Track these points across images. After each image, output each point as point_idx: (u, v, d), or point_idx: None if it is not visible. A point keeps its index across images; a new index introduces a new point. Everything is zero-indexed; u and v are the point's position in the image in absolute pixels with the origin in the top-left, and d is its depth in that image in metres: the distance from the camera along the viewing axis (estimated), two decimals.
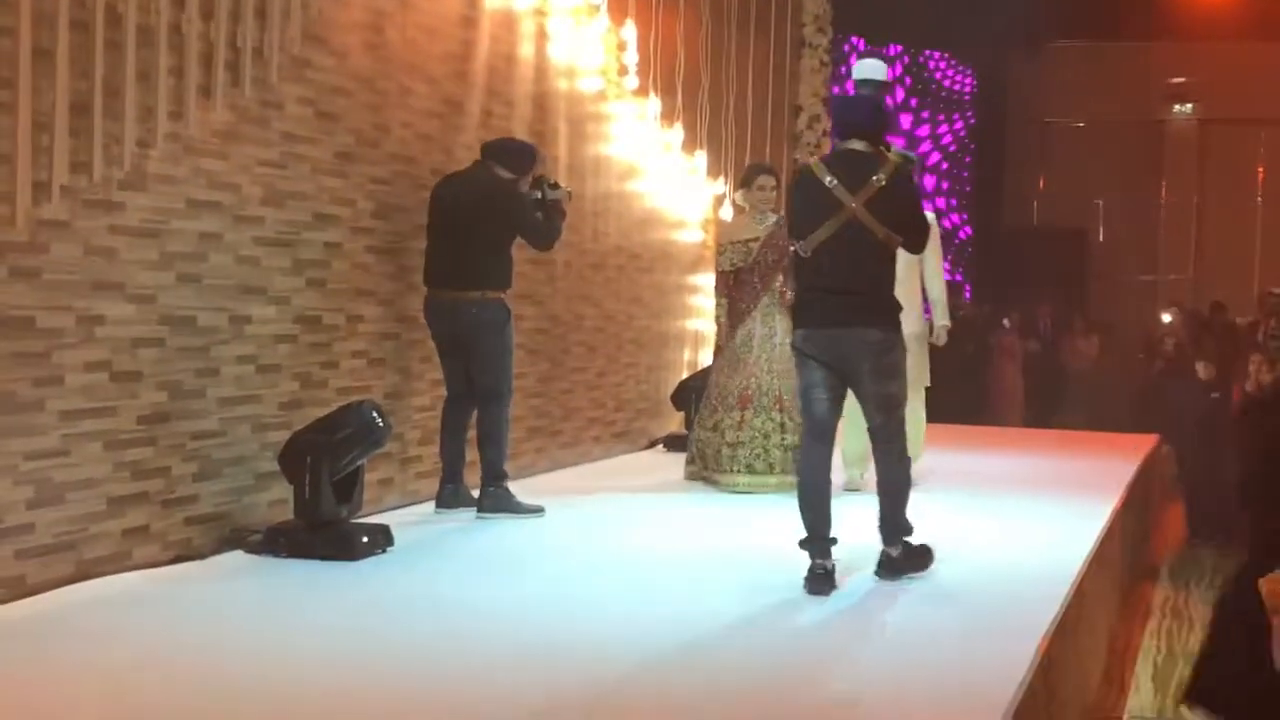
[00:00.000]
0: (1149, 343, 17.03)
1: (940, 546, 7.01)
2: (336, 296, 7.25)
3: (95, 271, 5.74)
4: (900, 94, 17.76)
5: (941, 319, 8.90)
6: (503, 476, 7.60)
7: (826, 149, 13.40)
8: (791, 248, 6.29)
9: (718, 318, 9.04)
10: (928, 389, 8.94)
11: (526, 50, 9.01)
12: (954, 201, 18.61)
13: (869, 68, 7.81)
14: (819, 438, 6.13)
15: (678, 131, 11.01)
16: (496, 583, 6.15)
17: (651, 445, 10.79)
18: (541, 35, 9.18)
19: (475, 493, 7.64)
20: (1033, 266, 17.96)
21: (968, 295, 17.68)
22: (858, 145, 6.12)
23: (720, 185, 11.76)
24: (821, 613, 5.72)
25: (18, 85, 5.26)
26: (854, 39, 16.24)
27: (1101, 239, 19.33)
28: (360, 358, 7.47)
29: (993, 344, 16.96)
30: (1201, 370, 12.27)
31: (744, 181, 9.03)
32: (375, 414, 6.59)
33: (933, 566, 6.34)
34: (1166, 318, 16.21)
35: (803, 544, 6.03)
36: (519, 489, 7.75)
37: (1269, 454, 5.59)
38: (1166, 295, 18.86)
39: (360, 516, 6.82)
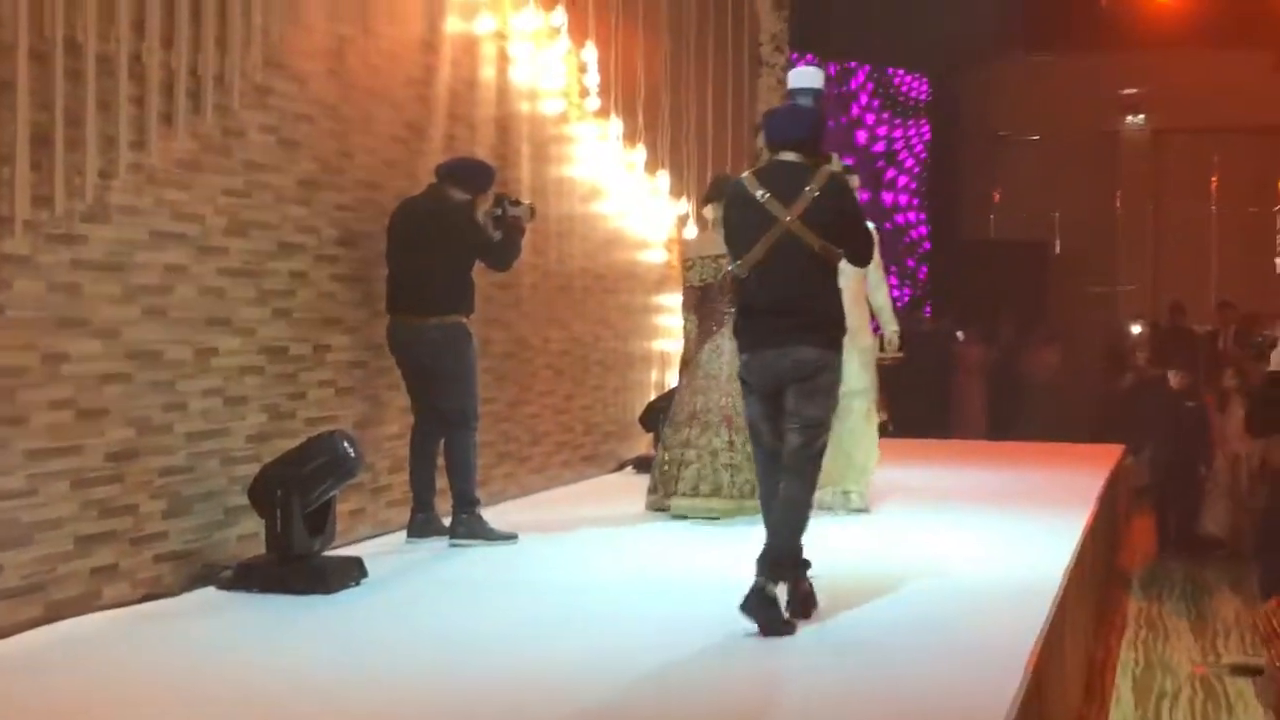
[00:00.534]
0: (1114, 354, 17.10)
1: (918, 564, 7.00)
2: (303, 326, 7.16)
3: (59, 308, 5.63)
4: (855, 109, 17.76)
5: (890, 325, 8.82)
6: (474, 503, 7.52)
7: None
8: (729, 267, 6.09)
9: (687, 333, 8.88)
10: (888, 407, 8.89)
11: (488, 74, 8.95)
12: (922, 215, 18.63)
13: (804, 76, 7.78)
14: (771, 470, 5.88)
15: (640, 152, 10.98)
16: (472, 613, 6.06)
17: (620, 468, 10.72)
18: (503, 59, 9.12)
19: (447, 520, 7.55)
20: (992, 279, 17.99)
21: (927, 311, 17.70)
22: (789, 156, 5.85)
23: (683, 205, 11.72)
24: (801, 639, 5.58)
25: None
26: (810, 57, 16.24)
27: (1059, 250, 19.37)
28: (328, 387, 7.37)
29: (953, 357, 16.99)
30: (1174, 379, 12.29)
31: (711, 195, 8.85)
32: (346, 444, 6.50)
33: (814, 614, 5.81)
34: (1136, 329, 16.22)
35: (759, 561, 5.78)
36: (489, 516, 7.66)
37: None
38: (1125, 305, 18.95)
39: (332, 548, 6.72)
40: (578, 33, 9.89)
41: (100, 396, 5.85)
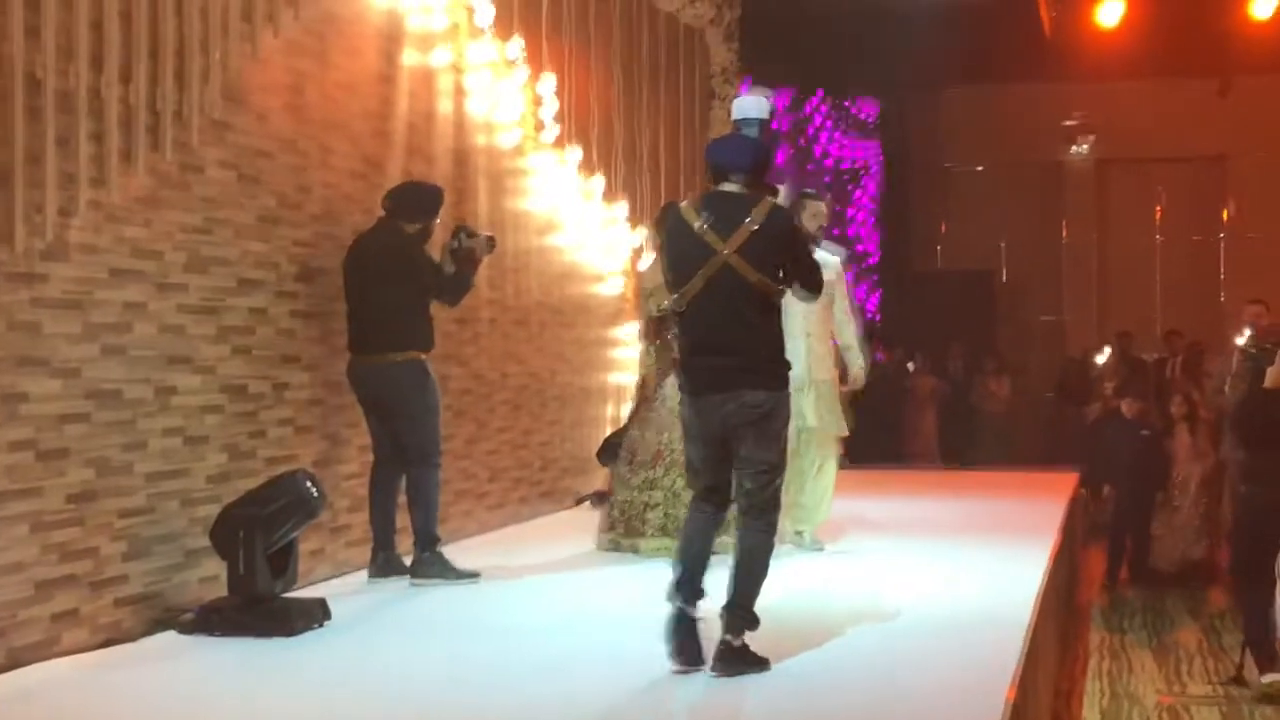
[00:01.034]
0: (1069, 383, 17.15)
1: (886, 599, 6.96)
2: (262, 363, 7.05)
3: (18, 347, 5.51)
4: (803, 142, 17.78)
5: (857, 363, 8.56)
6: (434, 541, 7.43)
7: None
8: (665, 302, 5.87)
9: (645, 364, 8.71)
10: (845, 439, 8.71)
11: (445, 106, 8.88)
12: (859, 249, 18.66)
13: (747, 105, 7.63)
14: (704, 513, 5.69)
15: (596, 183, 10.93)
16: (436, 655, 5.97)
17: (578, 503, 10.64)
18: (459, 91, 9.05)
19: (408, 559, 7.45)
20: (940, 309, 18.05)
21: (879, 357, 17.71)
22: (731, 186, 5.60)
23: (639, 235, 11.67)
24: (773, 678, 5.49)
25: None
26: (748, 80, 16.27)
27: (1005, 280, 19.47)
28: (287, 425, 7.27)
29: (906, 387, 17.02)
30: (1126, 408, 12.32)
31: (661, 222, 8.67)
32: (309, 484, 6.40)
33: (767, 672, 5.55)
34: (1100, 358, 16.16)
35: (674, 586, 5.59)
36: (449, 553, 7.57)
37: None
38: (1071, 334, 19.04)
39: (292, 590, 6.60)
40: (533, 64, 9.84)
41: (60, 436, 5.73)
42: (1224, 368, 10.76)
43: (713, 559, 5.67)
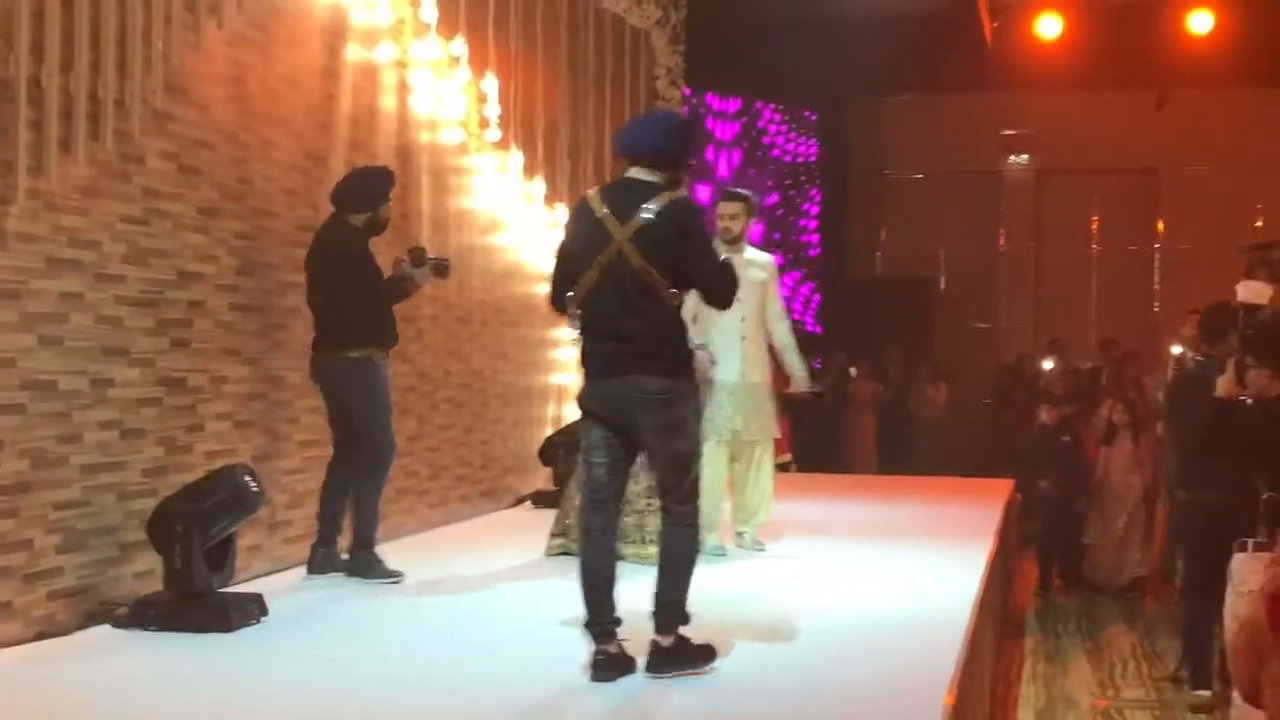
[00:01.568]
0: (997, 388, 17.24)
1: (825, 603, 6.97)
2: (201, 357, 6.99)
3: None
4: (746, 146, 17.82)
5: (795, 363, 8.43)
6: (368, 544, 7.37)
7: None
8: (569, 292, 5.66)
9: None
10: (777, 440, 8.70)
11: (389, 102, 8.83)
12: (798, 255, 18.72)
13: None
14: (597, 506, 5.49)
15: (539, 184, 10.90)
16: (374, 651, 5.93)
17: (519, 502, 10.60)
18: (403, 87, 9.01)
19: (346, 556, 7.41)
20: (879, 316, 18.14)
21: (817, 364, 17.75)
22: (639, 173, 5.42)
23: None
24: (709, 679, 5.46)
25: None
26: (708, 96, 16.33)
27: (944, 288, 19.59)
28: (226, 420, 7.20)
29: (846, 393, 17.07)
30: (1046, 414, 12.38)
31: None
32: (248, 478, 6.34)
33: (715, 664, 5.49)
34: (1048, 364, 16.15)
35: (585, 627, 5.46)
36: (391, 550, 7.52)
37: None
38: (1007, 342, 19.16)
39: (230, 585, 6.54)
40: (478, 63, 9.81)
41: None
42: (1162, 377, 10.84)
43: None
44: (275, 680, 5.46)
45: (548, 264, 11.08)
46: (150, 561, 6.36)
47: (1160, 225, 19.14)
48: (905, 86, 18.62)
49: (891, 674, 5.59)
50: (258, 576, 7.25)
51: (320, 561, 7.38)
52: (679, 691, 5.28)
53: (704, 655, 5.48)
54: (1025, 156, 19.50)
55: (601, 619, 5.42)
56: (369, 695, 5.22)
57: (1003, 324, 19.62)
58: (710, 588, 7.26)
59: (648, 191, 5.36)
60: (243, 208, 7.33)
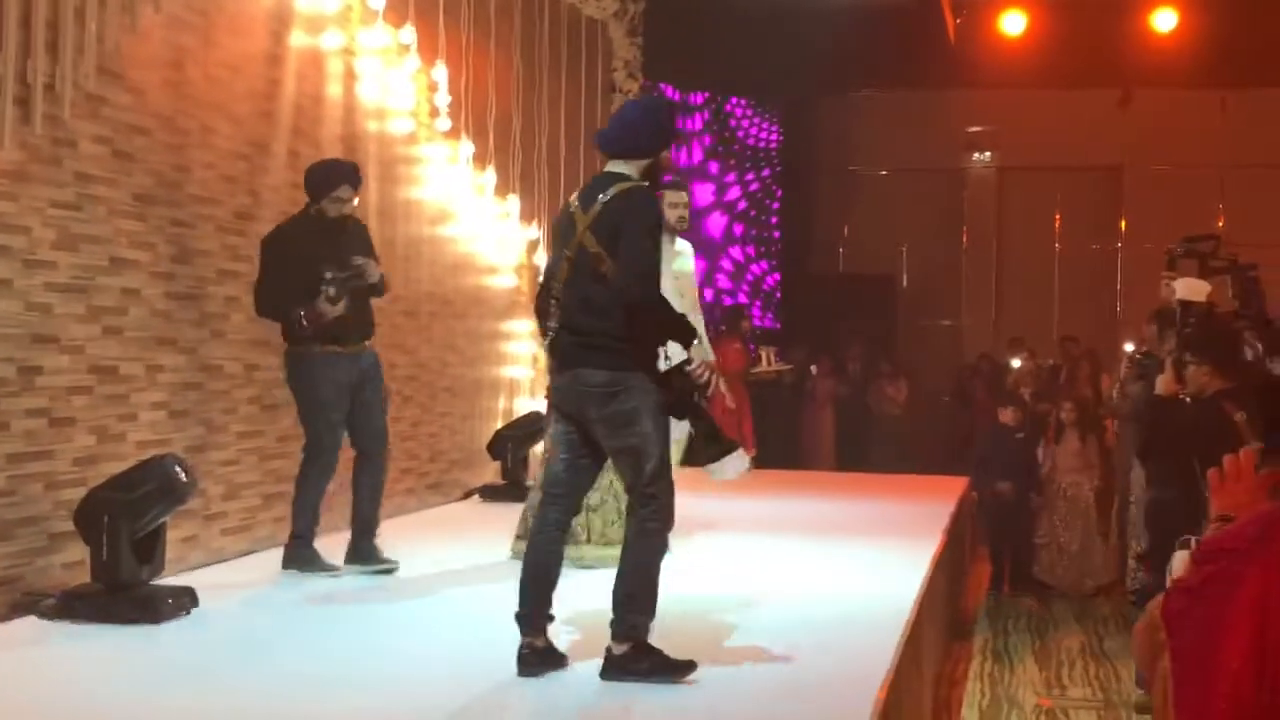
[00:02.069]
0: (959, 387, 17.21)
1: (763, 597, 6.91)
2: (134, 345, 6.89)
3: None
4: (709, 140, 17.77)
5: (707, 350, 7.99)
6: (298, 535, 7.28)
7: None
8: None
9: None
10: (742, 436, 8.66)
11: (335, 90, 8.73)
12: (761, 249, 18.68)
13: None
14: (551, 501, 5.42)
15: (490, 175, 10.81)
16: (306, 646, 5.86)
17: (467, 496, 10.52)
18: (350, 75, 8.92)
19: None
20: (841, 312, 18.09)
21: (778, 355, 17.70)
22: (614, 165, 5.37)
23: (534, 230, 11.57)
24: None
25: None
26: (662, 86, 16.23)
27: (906, 284, 19.56)
28: (161, 409, 7.10)
29: (805, 390, 17.02)
30: (1005, 415, 12.32)
31: None
32: (177, 468, 6.24)
33: (691, 678, 5.26)
34: (1016, 362, 16.03)
35: (516, 617, 5.35)
36: (333, 543, 7.43)
37: None
38: (969, 340, 19.15)
39: (162, 577, 6.44)
40: (428, 51, 9.71)
41: None
42: (1118, 375, 10.82)
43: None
44: (202, 673, 5.38)
45: (499, 255, 11.13)
46: (80, 552, 6.25)
47: (1123, 223, 19.14)
48: (869, 82, 18.58)
49: (827, 671, 5.53)
50: (193, 569, 7.15)
51: (308, 557, 7.26)
52: (608, 687, 5.21)
53: (677, 667, 5.28)
54: (988, 154, 19.46)
55: (532, 612, 5.33)
56: (292, 690, 5.15)
57: (965, 321, 19.60)
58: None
59: (609, 181, 5.31)
60: (180, 194, 7.24)
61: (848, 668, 5.54)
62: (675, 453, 7.63)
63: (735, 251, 18.29)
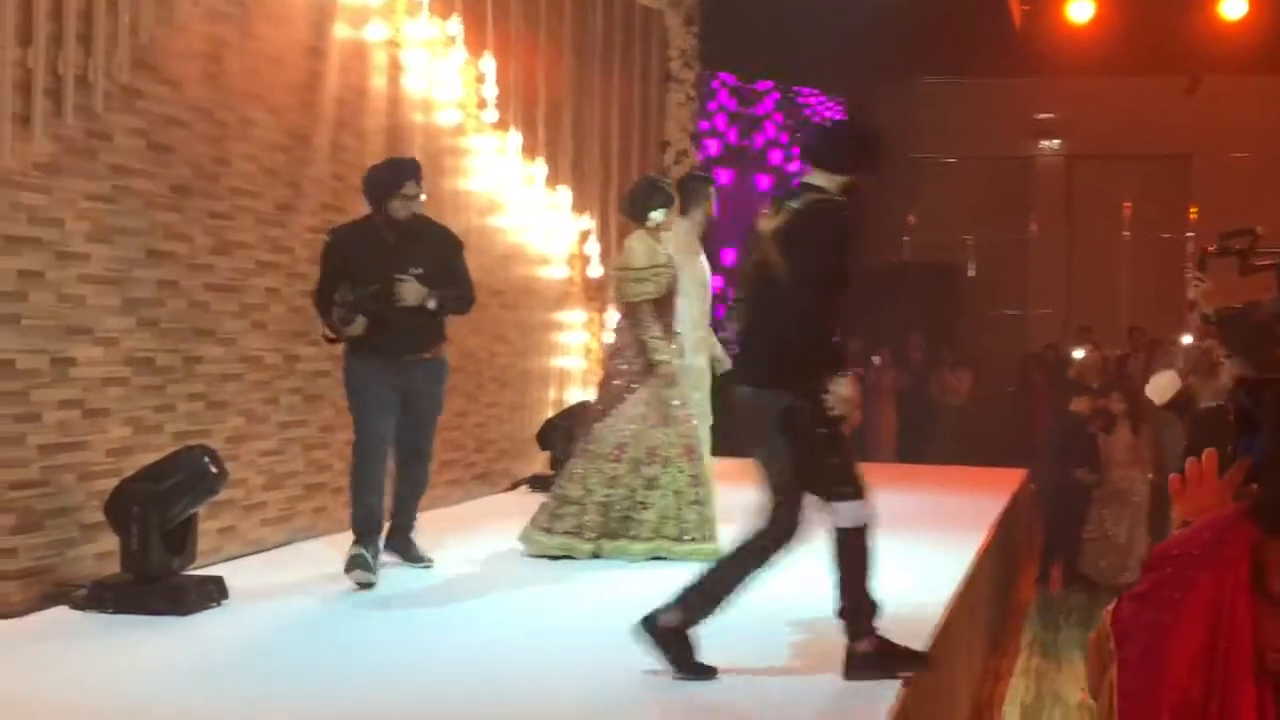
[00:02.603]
0: (1024, 377, 16.99)
1: (803, 592, 6.84)
2: (171, 336, 6.92)
3: None
4: (770, 130, 17.66)
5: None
6: (399, 525, 7.28)
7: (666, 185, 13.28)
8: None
9: (658, 350, 7.65)
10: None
11: (379, 82, 8.74)
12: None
13: None
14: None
15: (540, 166, 10.79)
16: (336, 637, 5.86)
17: (514, 486, 10.51)
18: (395, 67, 8.92)
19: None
20: (904, 302, 17.92)
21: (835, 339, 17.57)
22: (811, 176, 5.32)
23: (585, 220, 11.55)
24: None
25: None
26: (722, 74, 16.14)
27: (972, 274, 19.38)
28: (199, 400, 7.13)
29: (866, 381, 16.90)
30: (1077, 404, 12.09)
31: (658, 200, 7.78)
32: (207, 459, 6.26)
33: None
34: (1079, 353, 15.76)
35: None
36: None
37: None
38: (1036, 330, 18.95)
39: (198, 566, 6.48)
40: (475, 42, 9.71)
41: None
42: (1165, 364, 10.62)
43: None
44: (230, 664, 5.40)
45: (549, 246, 11.10)
46: (112, 543, 6.29)
47: (1193, 212, 18.86)
48: (933, 70, 18.42)
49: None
50: (230, 559, 7.18)
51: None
52: (653, 678, 5.17)
53: (905, 662, 5.28)
54: (1056, 141, 19.28)
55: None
56: (319, 682, 5.15)
57: (1031, 311, 19.40)
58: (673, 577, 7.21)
59: (808, 191, 5.26)
60: (219, 187, 7.26)
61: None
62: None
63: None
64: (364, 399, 7.01)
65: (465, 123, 9.80)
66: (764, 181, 17.33)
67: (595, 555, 7.59)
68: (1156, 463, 11.60)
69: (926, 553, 7.97)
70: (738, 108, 16.76)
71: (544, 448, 10.58)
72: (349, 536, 7.09)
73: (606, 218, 11.81)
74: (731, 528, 8.30)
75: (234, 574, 6.57)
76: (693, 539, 7.53)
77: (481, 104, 9.93)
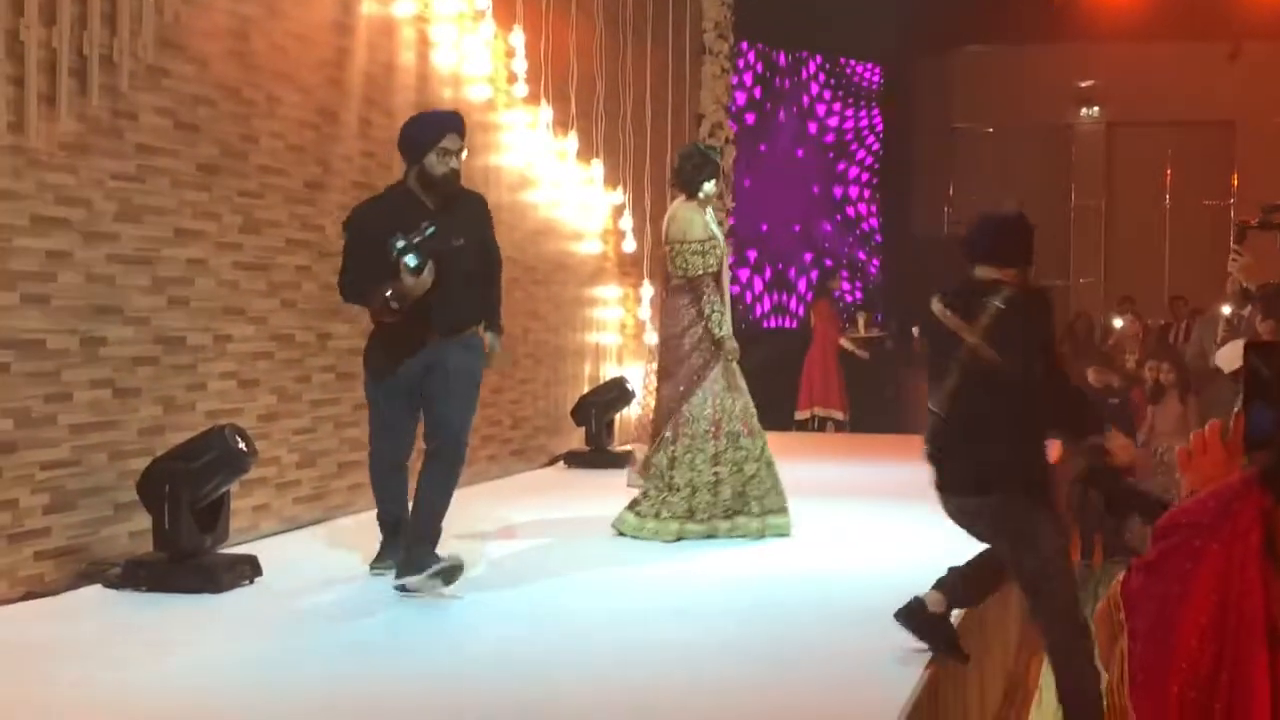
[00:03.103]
0: (1067, 339, 16.79)
1: (838, 567, 6.85)
2: (202, 315, 6.93)
3: None
4: (805, 100, 17.56)
5: None
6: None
7: (730, 157, 13.24)
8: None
9: (723, 324, 7.58)
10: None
11: (407, 58, 8.72)
12: (874, 209, 18.47)
13: None
14: None
15: (572, 140, 10.76)
16: (368, 616, 5.86)
17: (551, 462, 10.51)
18: (424, 42, 8.89)
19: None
20: (944, 273, 17.78)
21: (879, 318, 17.52)
22: (984, 270, 5.32)
23: (618, 195, 11.51)
24: (687, 636, 5.47)
25: None
26: (760, 45, 16.07)
27: None
28: (230, 379, 7.15)
29: (908, 353, 16.81)
30: (1093, 376, 11.97)
31: (708, 171, 7.68)
32: (237, 438, 6.27)
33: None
34: (1119, 322, 15.55)
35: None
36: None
37: None
38: (1077, 299, 18.81)
39: (233, 544, 6.50)
40: (504, 16, 9.67)
41: None
42: (1203, 332, 10.51)
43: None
44: (262, 641, 5.40)
45: (583, 221, 11.07)
46: (146, 521, 6.30)
47: (1235, 180, 18.67)
48: (974, 38, 18.29)
49: (883, 640, 5.42)
50: (265, 536, 7.20)
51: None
52: (661, 651, 5.18)
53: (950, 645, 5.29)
54: (1096, 109, 19.11)
55: None
56: (350, 661, 5.14)
57: (1074, 280, 19.26)
58: (726, 553, 7.21)
59: (998, 288, 5.23)
60: (247, 165, 7.26)
61: (904, 636, 5.43)
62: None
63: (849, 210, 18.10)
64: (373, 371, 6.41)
65: (495, 98, 9.78)
66: (798, 151, 17.27)
67: (710, 536, 7.52)
68: None
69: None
70: (774, 77, 16.67)
71: (579, 424, 10.58)
72: None
73: (641, 192, 11.77)
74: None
75: (267, 552, 6.57)
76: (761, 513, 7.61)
77: (511, 78, 9.90)
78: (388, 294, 5.97)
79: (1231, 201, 18.72)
